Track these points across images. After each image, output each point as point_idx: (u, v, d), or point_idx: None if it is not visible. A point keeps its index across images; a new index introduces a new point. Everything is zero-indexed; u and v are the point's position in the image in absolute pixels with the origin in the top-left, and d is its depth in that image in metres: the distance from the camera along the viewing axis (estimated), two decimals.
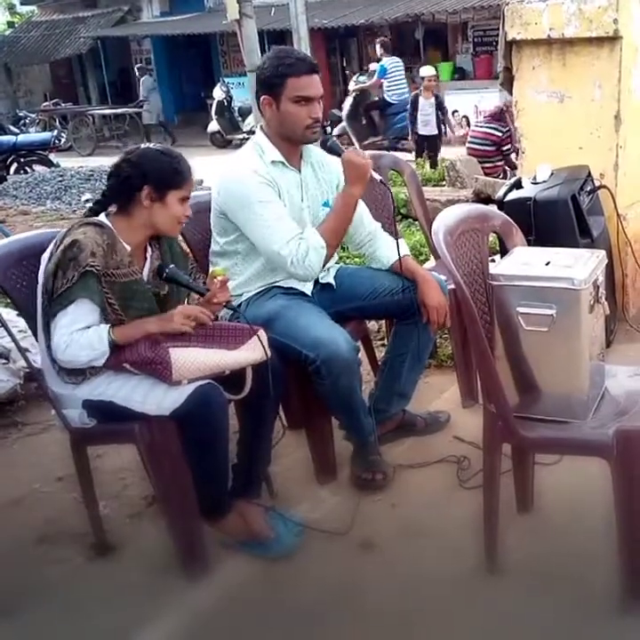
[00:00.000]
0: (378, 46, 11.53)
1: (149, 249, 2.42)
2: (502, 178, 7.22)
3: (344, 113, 11.71)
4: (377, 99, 11.43)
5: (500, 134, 7.70)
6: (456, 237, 2.16)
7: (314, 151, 2.80)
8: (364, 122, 11.76)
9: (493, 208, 2.72)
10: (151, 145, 2.40)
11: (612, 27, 3.46)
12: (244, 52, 7.63)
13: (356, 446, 2.77)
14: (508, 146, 7.55)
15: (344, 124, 11.77)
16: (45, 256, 2.29)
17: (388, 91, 11.04)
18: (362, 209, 2.87)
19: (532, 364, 2.13)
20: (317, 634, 2.11)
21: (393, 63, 11.10)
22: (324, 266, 2.65)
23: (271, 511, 2.49)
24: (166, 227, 2.35)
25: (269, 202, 2.57)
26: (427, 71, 10.17)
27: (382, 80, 11.03)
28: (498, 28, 3.97)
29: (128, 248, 2.30)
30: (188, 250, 2.83)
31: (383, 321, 3.66)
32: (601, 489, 2.05)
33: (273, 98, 2.59)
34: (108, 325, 2.23)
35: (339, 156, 2.62)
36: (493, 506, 2.20)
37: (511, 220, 2.44)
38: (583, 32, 3.51)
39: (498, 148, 7.75)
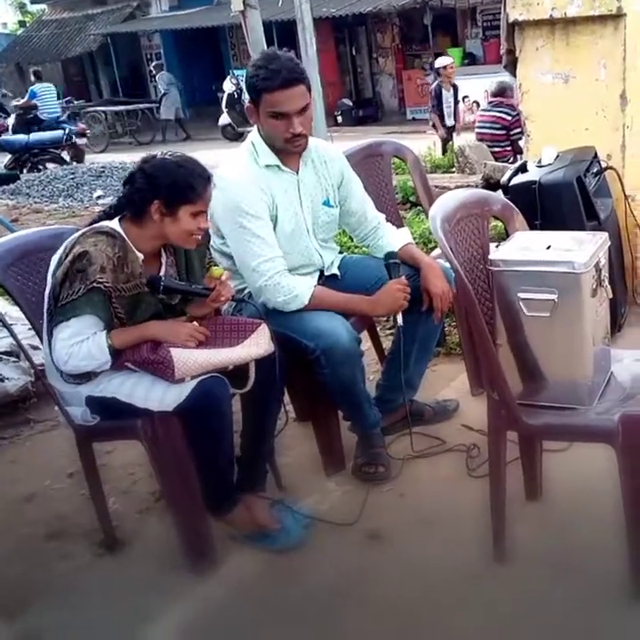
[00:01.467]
0: (32, 75, 14.48)
1: (164, 254, 2.35)
2: (512, 162, 7.11)
3: (10, 128, 13.86)
4: (32, 115, 13.55)
5: (509, 118, 7.55)
6: (454, 224, 2.13)
7: (314, 147, 2.68)
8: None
9: (494, 193, 2.67)
10: (169, 155, 2.24)
11: (615, 4, 3.40)
12: (249, 43, 7.61)
13: (360, 438, 2.75)
14: (518, 129, 7.41)
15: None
16: (54, 260, 2.23)
17: (41, 110, 13.46)
18: (366, 204, 2.83)
19: (535, 351, 2.09)
20: (326, 625, 2.10)
21: (43, 89, 13.81)
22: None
23: (278, 503, 2.49)
24: (178, 240, 2.27)
25: (258, 218, 2.50)
26: (445, 60, 9.92)
27: (35, 101, 13.51)
28: None
29: (141, 256, 2.24)
30: None
31: None
32: (611, 476, 2.01)
33: (255, 107, 2.51)
34: (105, 332, 2.19)
35: (391, 277, 2.60)
36: (500, 494, 2.18)
37: (511, 205, 2.41)
38: (586, 11, 3.45)
39: (507, 132, 7.61)
